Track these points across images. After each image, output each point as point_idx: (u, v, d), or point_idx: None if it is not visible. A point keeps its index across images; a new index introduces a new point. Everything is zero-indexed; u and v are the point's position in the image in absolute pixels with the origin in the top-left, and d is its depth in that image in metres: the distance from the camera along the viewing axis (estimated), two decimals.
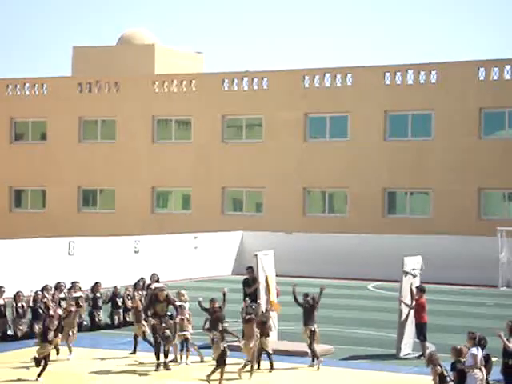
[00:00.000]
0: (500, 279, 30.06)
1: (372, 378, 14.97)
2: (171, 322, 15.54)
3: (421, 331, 17.09)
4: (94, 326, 19.95)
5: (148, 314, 15.59)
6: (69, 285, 20.16)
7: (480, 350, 13.80)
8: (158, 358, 15.29)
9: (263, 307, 16.66)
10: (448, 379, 13.30)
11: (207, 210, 39.23)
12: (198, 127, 40.06)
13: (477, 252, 30.67)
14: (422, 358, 16.87)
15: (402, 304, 17.26)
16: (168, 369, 15.26)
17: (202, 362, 15.86)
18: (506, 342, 14.33)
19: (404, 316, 17.28)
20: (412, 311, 17.33)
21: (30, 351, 15.56)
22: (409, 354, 17.21)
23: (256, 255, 18.28)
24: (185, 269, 30.94)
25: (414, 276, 17.54)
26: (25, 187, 43.21)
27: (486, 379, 13.85)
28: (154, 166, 40.42)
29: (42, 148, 42.39)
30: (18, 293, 18.42)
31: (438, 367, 13.29)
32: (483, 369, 13.82)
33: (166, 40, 58.12)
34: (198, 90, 40.04)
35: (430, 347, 16.87)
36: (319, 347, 17.34)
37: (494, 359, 14.54)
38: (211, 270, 32.26)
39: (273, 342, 16.37)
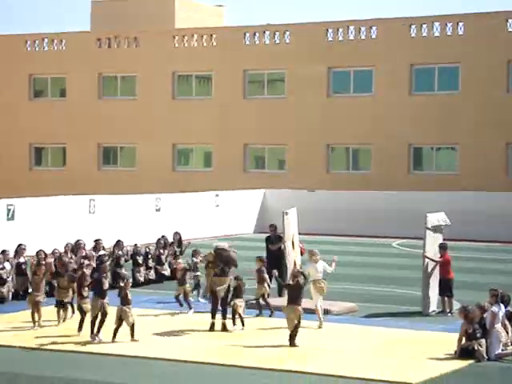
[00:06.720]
0: None
1: (397, 336, 14.56)
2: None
3: (447, 288, 16.66)
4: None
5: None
6: (91, 243, 19.81)
7: (502, 306, 13.44)
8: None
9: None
10: (478, 335, 12.93)
11: (229, 167, 38.76)
12: (218, 83, 39.41)
13: (504, 208, 30.10)
14: (449, 314, 16.49)
15: (427, 260, 16.80)
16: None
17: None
18: None
19: (429, 271, 16.83)
20: (437, 268, 16.87)
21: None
22: (434, 311, 16.81)
23: (286, 213, 17.71)
24: (206, 227, 30.59)
25: (438, 232, 17.03)
26: (45, 145, 42.98)
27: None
28: (175, 122, 39.91)
29: (61, 105, 41.99)
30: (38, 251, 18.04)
31: (470, 325, 12.90)
32: (508, 325, 13.48)
33: None
34: (218, 45, 39.31)
35: (455, 304, 16.47)
36: (343, 304, 16.95)
37: None
38: (233, 229, 31.92)
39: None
